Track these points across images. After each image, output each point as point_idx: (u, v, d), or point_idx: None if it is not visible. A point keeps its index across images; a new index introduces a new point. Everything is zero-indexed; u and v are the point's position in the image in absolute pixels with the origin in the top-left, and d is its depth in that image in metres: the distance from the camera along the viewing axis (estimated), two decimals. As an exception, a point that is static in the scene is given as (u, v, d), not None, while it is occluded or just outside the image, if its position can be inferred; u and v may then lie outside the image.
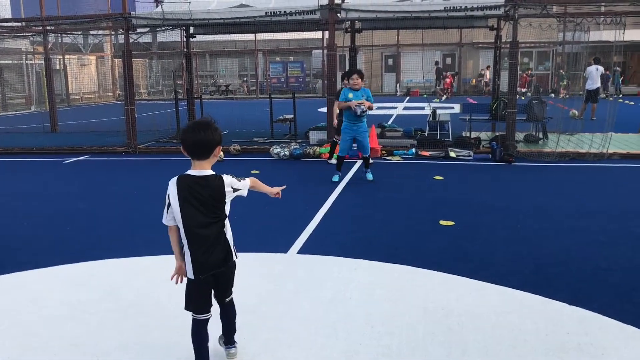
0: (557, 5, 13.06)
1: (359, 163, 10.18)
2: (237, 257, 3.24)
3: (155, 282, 4.66)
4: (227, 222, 3.16)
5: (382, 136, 12.50)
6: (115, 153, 11.97)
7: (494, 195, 7.84)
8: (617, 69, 27.72)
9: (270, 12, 11.44)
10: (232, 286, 3.30)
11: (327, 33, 12.30)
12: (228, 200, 3.13)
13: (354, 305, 4.18)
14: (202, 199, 3.03)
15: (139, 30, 12.45)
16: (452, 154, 10.82)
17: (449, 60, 33.93)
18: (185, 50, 15.06)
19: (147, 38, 33.76)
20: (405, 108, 23.31)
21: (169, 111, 16.96)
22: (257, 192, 3.45)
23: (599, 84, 16.95)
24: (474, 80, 33.26)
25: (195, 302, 3.16)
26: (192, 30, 14.23)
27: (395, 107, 23.25)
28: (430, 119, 13.23)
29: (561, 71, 29.65)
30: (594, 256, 5.23)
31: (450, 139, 12.30)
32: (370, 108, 8.40)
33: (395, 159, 10.81)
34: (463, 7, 10.73)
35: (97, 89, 32.93)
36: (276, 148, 11.08)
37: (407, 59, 33.13)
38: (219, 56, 37.47)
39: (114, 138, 13.02)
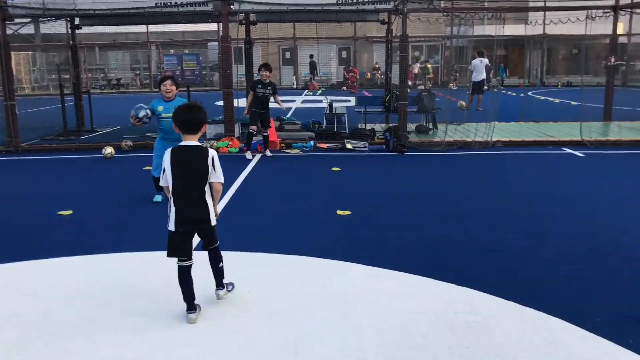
0: (444, 0, 13.65)
1: (258, 156, 10.15)
2: (215, 222, 3.83)
3: (41, 287, 4.39)
4: (207, 189, 3.76)
5: (281, 129, 12.52)
6: (-6, 152, 11.13)
7: (388, 184, 8.08)
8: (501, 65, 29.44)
9: (161, 3, 11.07)
10: (214, 238, 3.90)
11: (221, 25, 12.09)
12: (209, 170, 3.73)
13: (253, 299, 4.15)
14: (189, 164, 3.72)
15: (17, 20, 11.60)
16: (349, 146, 11.03)
17: (344, 54, 34.55)
18: (71, 42, 14.26)
19: (29, 29, 31.59)
20: (304, 101, 23.48)
21: (55, 107, 15.99)
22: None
23: (484, 76, 17.90)
24: (368, 74, 34.09)
25: (176, 250, 3.74)
26: (77, 21, 13.50)
27: (293, 101, 23.35)
28: (327, 111, 13.41)
29: (427, 64, 31.44)
30: (480, 238, 5.54)
31: (347, 131, 12.53)
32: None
33: (294, 152, 10.86)
34: (354, 1, 10.93)
35: (-27, 84, 30.46)
36: (171, 143, 10.77)
37: (304, 53, 33.37)
38: (109, 49, 35.85)
39: (-8, 136, 12.10)
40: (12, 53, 11.64)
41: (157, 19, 12.14)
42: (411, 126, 12.25)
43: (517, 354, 3.34)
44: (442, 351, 3.38)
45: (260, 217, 6.42)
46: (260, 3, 11.08)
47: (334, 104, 13.57)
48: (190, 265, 3.81)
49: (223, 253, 4.10)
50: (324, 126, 12.94)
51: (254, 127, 10.11)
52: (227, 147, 10.75)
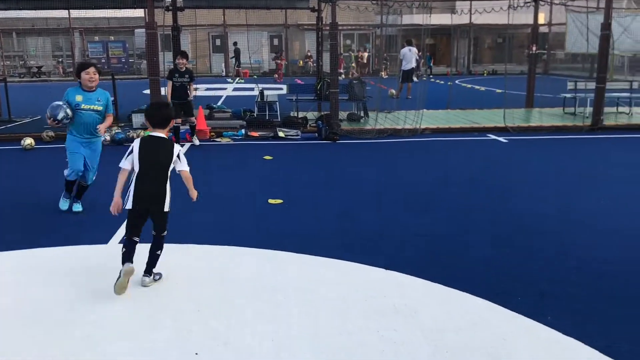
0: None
1: (187, 146, 9.95)
2: (169, 210, 4.14)
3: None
4: (168, 182, 4.10)
5: (211, 117, 12.33)
6: None
7: (321, 171, 8.12)
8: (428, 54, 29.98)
9: (82, -13, 10.62)
10: (164, 226, 4.17)
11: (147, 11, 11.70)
12: (172, 163, 4.10)
13: (183, 287, 4.08)
14: (156, 152, 4.08)
15: None
16: (281, 134, 10.99)
17: (276, 42, 34.32)
18: (-16, 26, 13.44)
19: (-62, 13, 29.62)
20: (235, 89, 23.19)
21: (-32, 96, 15.07)
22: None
23: (413, 65, 18.23)
24: (301, 62, 34.04)
25: (132, 228, 4.03)
26: (-10, 4, 12.74)
27: (224, 89, 23.04)
28: (259, 99, 13.30)
29: (350, 52, 31.95)
30: (409, 223, 5.66)
31: (279, 119, 12.48)
32: None
33: (224, 141, 10.71)
34: (284, -12, 10.86)
35: None
36: (96, 133, 10.37)
37: (234, 40, 32.90)
38: (28, 35, 34.10)
39: None
40: None
41: (77, 3, 11.63)
42: (343, 114, 12.33)
43: (444, 335, 3.44)
44: (372, 335, 3.43)
45: (190, 207, 6.28)
46: (187, -12, 10.82)
47: (265, 92, 13.47)
48: (137, 242, 4.05)
49: (140, 245, 4.01)
50: (255, 114, 12.83)
51: (178, 120, 9.77)
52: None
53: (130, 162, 4.09)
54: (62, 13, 28.48)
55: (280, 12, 29.55)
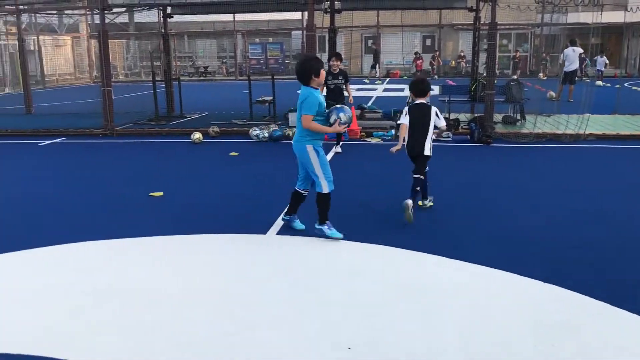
0: (535, -14, 13.10)
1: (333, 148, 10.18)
2: (429, 153, 5.80)
3: (130, 264, 4.64)
4: (430, 133, 5.75)
5: (362, 118, 12.50)
6: (92, 135, 11.81)
7: (471, 174, 7.90)
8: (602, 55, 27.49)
9: (249, -8, 11.30)
10: (422, 169, 5.85)
11: (306, 13, 12.18)
12: (434, 119, 5.78)
13: (329, 283, 4.20)
14: (422, 116, 5.77)
15: (115, 10, 12.21)
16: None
17: (428, 42, 33.95)
18: (163, 30, 14.84)
19: (124, 18, 33.15)
20: (385, 90, 23.31)
21: (147, 93, 16.74)
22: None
23: (576, 66, 17.08)
24: (453, 62, 33.34)
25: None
26: (169, 10, 14.03)
27: (375, 89, 23.24)
28: (410, 100, 13.22)
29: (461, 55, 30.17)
30: (569, 235, 5.31)
31: (430, 121, 12.30)
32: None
33: (374, 141, 10.82)
34: (442, -12, 10.69)
35: (73, 71, 32.39)
36: (255, 130, 11.02)
37: (387, 40, 33.06)
38: (197, 37, 37.03)
39: (90, 120, 12.82)
40: (109, 41, 12.23)
41: (244, 7, 12.40)
42: (497, 117, 11.88)
43: (605, 355, 3.20)
44: (527, 348, 3.29)
45: (338, 206, 6.45)
46: (346, -9, 11.07)
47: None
48: (421, 180, 5.86)
49: (305, 239, 4.15)
50: (406, 115, 12.78)
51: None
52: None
53: (406, 119, 5.78)
54: (228, 17, 30.58)
55: (435, 12, 29.19)
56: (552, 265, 4.56)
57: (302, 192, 5.35)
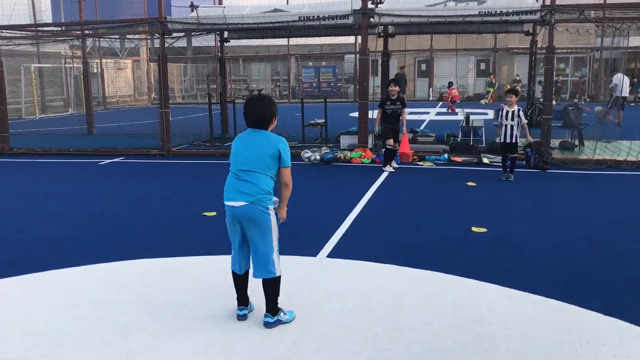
0: (594, 9, 12.80)
1: (383, 172, 10.12)
2: None
3: (184, 283, 4.71)
4: None
5: (414, 141, 12.41)
6: (149, 155, 12.15)
7: (528, 202, 7.69)
8: None
9: (304, 17, 11.47)
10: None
11: (359, 38, 12.27)
12: None
13: (383, 311, 4.14)
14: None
15: (174, 34, 12.62)
16: (485, 160, 10.67)
17: (482, 66, 33.55)
18: (219, 54, 15.22)
19: (182, 42, 34.22)
20: (438, 113, 23.12)
21: (202, 115, 17.15)
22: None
23: (626, 92, 16.71)
24: (508, 86, 32.79)
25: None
26: (226, 34, 14.39)
27: (427, 113, 23.09)
28: (464, 124, 13.08)
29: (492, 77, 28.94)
30: (630, 266, 5.09)
31: (484, 145, 12.13)
32: None
33: (427, 165, 10.71)
34: (498, 12, 10.57)
35: (133, 92, 33.55)
36: (307, 152, 11.10)
37: (440, 64, 32.87)
38: (252, 61, 37.78)
39: (148, 140, 13.22)
40: (167, 64, 12.63)
41: (299, 32, 12.58)
42: (555, 142, 11.59)
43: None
44: (587, 385, 3.15)
45: (391, 229, 6.39)
46: (400, 15, 11.09)
47: (471, 117, 13.21)
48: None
49: (355, 263, 4.13)
50: (459, 139, 12.64)
51: (390, 142, 9.82)
52: (360, 157, 10.85)
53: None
54: (282, 41, 31.10)
55: (490, 35, 28.83)
56: (614, 298, 4.37)
57: (243, 273, 4.01)
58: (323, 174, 9.94)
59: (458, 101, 24.15)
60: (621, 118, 16.01)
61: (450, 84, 24.85)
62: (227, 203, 3.89)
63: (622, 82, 16.16)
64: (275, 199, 3.91)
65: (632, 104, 18.76)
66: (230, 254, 4.08)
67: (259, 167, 3.82)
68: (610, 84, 16.71)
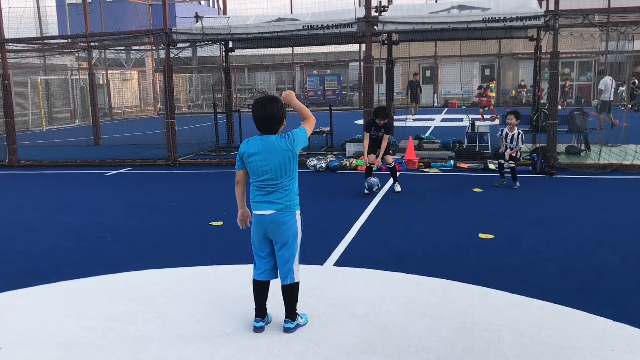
0: (599, 14, 12.80)
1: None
2: None
3: (192, 294, 4.72)
4: None
5: (420, 148, 12.42)
6: (155, 165, 12.20)
7: (535, 207, 7.67)
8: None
9: (308, 26, 11.52)
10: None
11: (364, 45, 12.31)
12: None
13: (390, 319, 4.13)
14: None
15: (179, 45, 12.69)
16: (492, 166, 10.65)
17: (487, 71, 33.56)
18: (224, 64, 15.29)
19: (187, 53, 34.40)
20: (443, 120, 23.11)
21: (208, 124, 17.21)
22: None
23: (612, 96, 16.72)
24: (513, 92, 32.78)
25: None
26: (230, 44, 14.46)
27: (433, 119, 23.09)
28: (469, 130, 13.08)
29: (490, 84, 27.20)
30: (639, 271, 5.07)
31: (490, 151, 12.12)
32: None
33: (432, 171, 10.70)
34: (502, 18, 10.58)
35: (139, 103, 33.71)
36: (313, 160, 11.11)
37: (445, 70, 32.90)
38: (257, 70, 37.92)
39: (154, 151, 13.28)
40: (173, 75, 12.70)
41: (303, 41, 12.63)
42: (561, 147, 11.56)
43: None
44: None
45: (397, 236, 6.38)
46: (404, 23, 11.12)
47: (477, 123, 13.21)
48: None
49: (362, 271, 4.13)
50: (464, 145, 12.63)
51: (370, 157, 8.81)
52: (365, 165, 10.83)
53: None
54: (286, 50, 31.23)
55: (494, 41, 28.87)
56: (624, 304, 4.34)
57: (265, 282, 4.02)
58: (329, 181, 9.95)
59: (487, 107, 22.59)
60: (612, 119, 16.10)
61: (482, 88, 23.17)
62: (255, 212, 3.91)
63: (610, 87, 16.17)
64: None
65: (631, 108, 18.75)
66: (251, 263, 4.07)
67: (281, 175, 3.84)
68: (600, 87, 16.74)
